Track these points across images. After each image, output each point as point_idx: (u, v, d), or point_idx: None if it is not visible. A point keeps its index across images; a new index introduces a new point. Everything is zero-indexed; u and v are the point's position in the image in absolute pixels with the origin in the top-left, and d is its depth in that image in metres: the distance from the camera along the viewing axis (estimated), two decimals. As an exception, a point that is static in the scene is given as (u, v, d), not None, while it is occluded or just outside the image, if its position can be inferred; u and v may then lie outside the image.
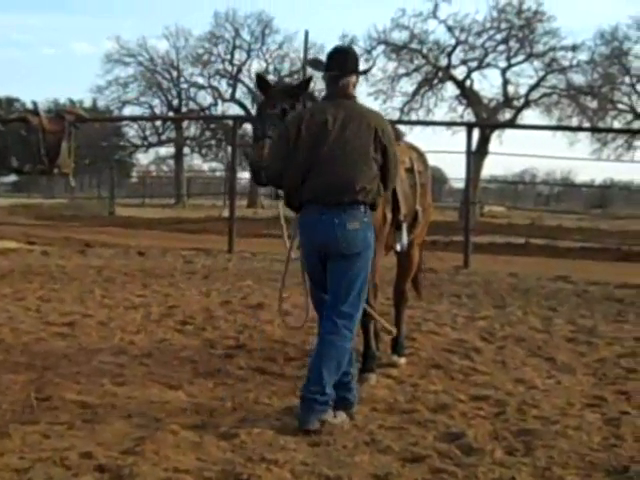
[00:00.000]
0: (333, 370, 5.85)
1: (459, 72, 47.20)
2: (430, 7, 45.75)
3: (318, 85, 19.70)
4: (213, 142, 60.26)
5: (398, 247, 7.26)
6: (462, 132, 19.12)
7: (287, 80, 44.58)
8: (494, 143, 44.98)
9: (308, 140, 5.94)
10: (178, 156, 57.69)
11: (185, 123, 57.33)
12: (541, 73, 46.27)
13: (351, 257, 5.93)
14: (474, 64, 46.75)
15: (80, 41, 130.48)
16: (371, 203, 6.03)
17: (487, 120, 44.88)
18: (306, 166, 5.94)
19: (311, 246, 6.08)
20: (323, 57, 6.31)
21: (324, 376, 5.78)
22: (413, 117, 45.26)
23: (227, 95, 57.23)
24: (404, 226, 7.19)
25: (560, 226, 32.00)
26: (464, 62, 46.88)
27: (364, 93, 45.43)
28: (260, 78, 6.93)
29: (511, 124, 44.49)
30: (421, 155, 8.11)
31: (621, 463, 5.09)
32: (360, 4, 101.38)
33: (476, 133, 36.81)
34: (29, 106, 14.20)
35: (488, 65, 46.81)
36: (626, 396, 6.82)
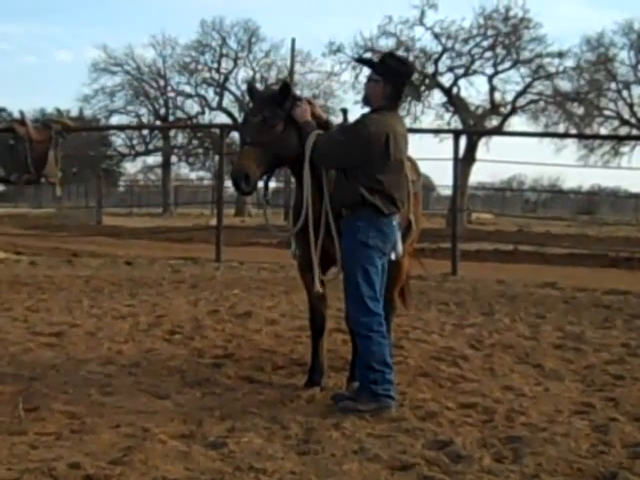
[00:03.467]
0: None
1: (446, 79, 47.45)
2: (416, 14, 46.00)
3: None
4: (200, 151, 60.25)
5: (393, 256, 7.14)
6: (449, 139, 19.10)
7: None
8: (481, 150, 45.14)
9: (395, 151, 6.47)
10: (165, 165, 57.76)
11: (172, 132, 57.43)
12: (528, 80, 46.52)
13: None
14: (461, 71, 46.95)
15: (61, 49, 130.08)
16: None
17: (474, 127, 45.02)
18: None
19: (385, 248, 6.63)
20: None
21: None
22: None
23: (214, 103, 57.37)
24: (398, 235, 7.07)
25: (548, 233, 32.06)
26: (451, 69, 47.08)
27: (351, 101, 45.49)
28: (250, 86, 7.08)
29: (498, 131, 44.66)
30: (414, 164, 7.92)
31: (609, 470, 5.09)
32: (347, 12, 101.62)
33: (463, 140, 36.88)
34: (16, 116, 14.15)
35: (475, 72, 47.02)
36: (614, 403, 6.82)
